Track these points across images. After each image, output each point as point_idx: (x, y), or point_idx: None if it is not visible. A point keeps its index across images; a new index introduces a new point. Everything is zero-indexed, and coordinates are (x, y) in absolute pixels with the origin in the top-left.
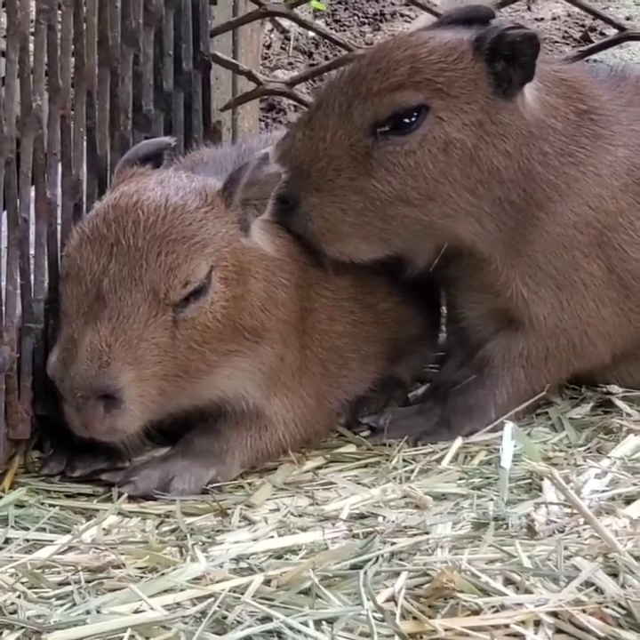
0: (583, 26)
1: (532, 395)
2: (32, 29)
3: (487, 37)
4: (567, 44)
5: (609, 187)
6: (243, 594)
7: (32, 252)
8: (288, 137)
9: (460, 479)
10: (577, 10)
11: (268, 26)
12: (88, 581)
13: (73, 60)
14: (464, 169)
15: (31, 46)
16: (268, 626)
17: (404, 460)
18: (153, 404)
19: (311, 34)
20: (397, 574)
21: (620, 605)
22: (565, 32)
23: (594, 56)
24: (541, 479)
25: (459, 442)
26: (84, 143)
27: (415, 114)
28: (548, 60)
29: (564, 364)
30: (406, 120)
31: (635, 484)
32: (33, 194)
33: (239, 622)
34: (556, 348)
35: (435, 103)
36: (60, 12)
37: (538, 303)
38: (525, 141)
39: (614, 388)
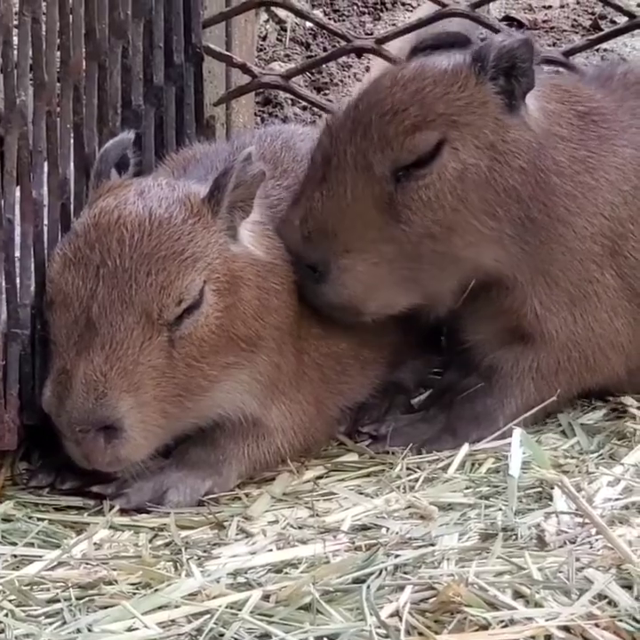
0: (593, 13)
1: (542, 406)
2: (16, 22)
3: (488, 56)
4: (576, 32)
5: (620, 193)
6: (240, 610)
7: (17, 254)
8: (303, 198)
9: (467, 488)
10: None
11: (264, 16)
12: (79, 598)
13: (59, 53)
14: (481, 194)
15: (15, 39)
16: None
17: (408, 469)
18: (157, 427)
19: (309, 24)
20: (402, 588)
21: (634, 619)
22: (574, 20)
23: (604, 45)
24: (552, 487)
25: (465, 449)
26: (71, 140)
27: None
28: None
29: (575, 376)
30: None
31: None
32: (18, 193)
33: None
34: (567, 361)
35: (450, 135)
36: (44, 3)
37: (550, 319)
38: (537, 154)
39: (628, 400)
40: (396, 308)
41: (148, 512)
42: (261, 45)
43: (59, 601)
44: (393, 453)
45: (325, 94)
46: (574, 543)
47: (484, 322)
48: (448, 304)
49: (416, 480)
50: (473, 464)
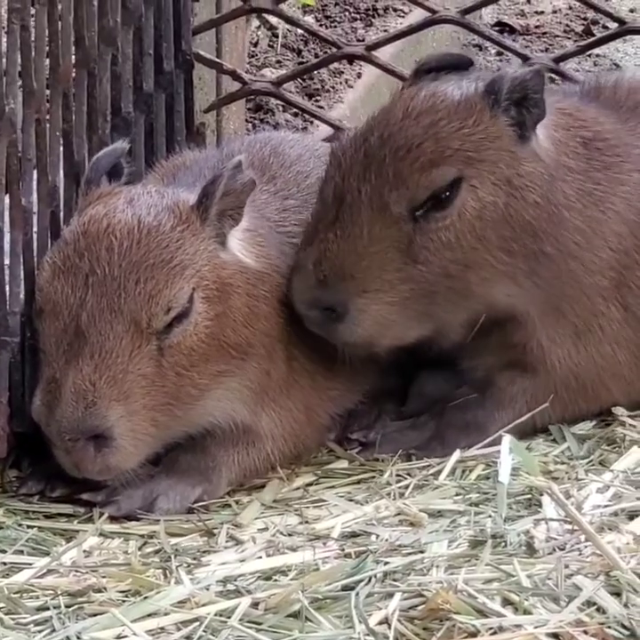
0: (585, 19)
1: (533, 426)
2: (4, 29)
3: (501, 88)
4: (568, 38)
5: (627, 222)
6: (229, 617)
7: (7, 262)
8: (315, 240)
9: (457, 495)
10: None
11: (256, 22)
12: (68, 606)
13: (48, 60)
14: (498, 231)
15: (4, 47)
16: None
17: (397, 476)
18: (146, 436)
19: (300, 30)
20: (391, 595)
21: (622, 625)
22: (566, 25)
23: (596, 50)
24: (541, 494)
25: (456, 455)
26: (61, 148)
27: (451, 186)
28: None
29: (570, 405)
30: (443, 195)
31: (638, 499)
32: (7, 201)
33: None
34: (565, 391)
35: (467, 172)
36: (33, 10)
37: (554, 351)
38: (549, 187)
39: (619, 410)
40: (407, 341)
41: (137, 519)
42: (253, 52)
43: (48, 608)
44: (382, 460)
45: (317, 101)
46: (563, 550)
47: (486, 353)
48: (456, 337)
49: (406, 487)
50: (463, 471)
